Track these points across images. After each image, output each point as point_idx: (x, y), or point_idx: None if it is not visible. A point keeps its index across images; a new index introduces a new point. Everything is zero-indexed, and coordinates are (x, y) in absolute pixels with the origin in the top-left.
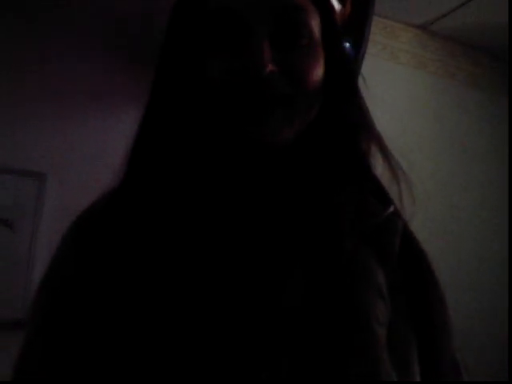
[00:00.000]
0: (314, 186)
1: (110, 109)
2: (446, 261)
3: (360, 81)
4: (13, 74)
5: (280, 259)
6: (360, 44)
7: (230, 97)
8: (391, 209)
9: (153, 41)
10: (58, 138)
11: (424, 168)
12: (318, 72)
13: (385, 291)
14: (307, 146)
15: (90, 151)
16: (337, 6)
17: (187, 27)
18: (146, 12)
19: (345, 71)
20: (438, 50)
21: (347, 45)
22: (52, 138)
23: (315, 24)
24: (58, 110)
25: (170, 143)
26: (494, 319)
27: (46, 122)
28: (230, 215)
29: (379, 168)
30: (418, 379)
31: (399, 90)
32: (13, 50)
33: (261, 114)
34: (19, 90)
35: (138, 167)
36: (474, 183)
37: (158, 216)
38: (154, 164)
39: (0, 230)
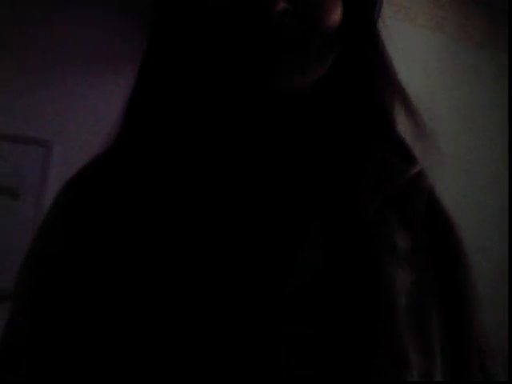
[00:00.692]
0: (332, 139)
1: (121, 78)
2: None
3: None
4: (18, 41)
5: (293, 223)
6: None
7: (233, 39)
8: (417, 168)
9: None
10: (65, 106)
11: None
12: (336, 14)
13: (408, 259)
14: (324, 95)
15: (96, 119)
16: None
17: None
18: None
19: (364, 15)
20: (455, 11)
21: None
22: (58, 106)
23: None
24: (65, 77)
25: (169, 96)
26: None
27: (52, 89)
28: (238, 171)
29: (401, 126)
30: (438, 361)
31: (416, 52)
32: (18, 17)
33: (269, 61)
34: (25, 57)
35: (133, 123)
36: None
37: (155, 179)
38: (151, 120)
39: (5, 198)
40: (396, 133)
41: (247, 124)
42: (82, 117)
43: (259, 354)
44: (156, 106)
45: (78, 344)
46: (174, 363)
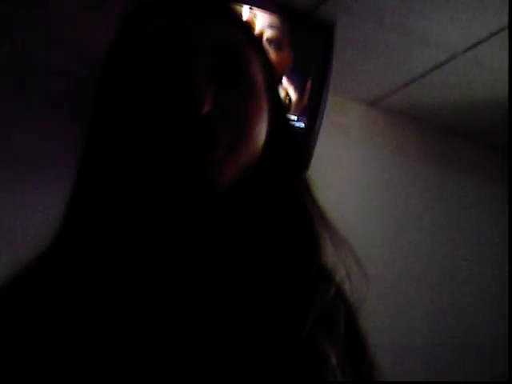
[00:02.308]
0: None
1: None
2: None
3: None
4: None
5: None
6: (315, 121)
7: (166, 136)
8: (334, 288)
9: None
10: (13, 208)
11: (376, 240)
12: (259, 120)
13: (339, 375)
14: (250, 195)
15: (45, 222)
16: (294, 96)
17: (124, 68)
18: None
19: (288, 134)
20: (388, 126)
21: (302, 124)
22: (4, 208)
23: (256, 71)
24: (12, 182)
25: (108, 190)
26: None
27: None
28: (170, 264)
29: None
30: None
31: (351, 166)
32: None
33: (198, 154)
34: None
35: (76, 216)
36: (427, 248)
37: (101, 264)
38: (92, 213)
39: None
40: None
41: (177, 217)
42: (30, 220)
43: None
44: (94, 206)
45: None
46: None
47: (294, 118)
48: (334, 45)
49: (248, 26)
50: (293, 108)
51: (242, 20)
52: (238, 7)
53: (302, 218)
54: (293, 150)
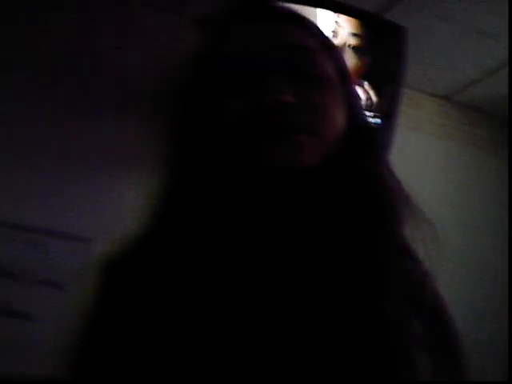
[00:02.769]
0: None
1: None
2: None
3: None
4: (57, 142)
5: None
6: (391, 118)
7: (250, 130)
8: (423, 268)
9: None
10: (106, 203)
11: (447, 232)
12: (336, 109)
13: (422, 344)
14: (332, 173)
15: (128, 217)
16: (374, 97)
17: (207, 82)
18: None
19: (363, 126)
20: (461, 119)
21: (379, 120)
22: (100, 203)
23: (330, 67)
24: (106, 174)
25: (201, 177)
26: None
27: (94, 186)
28: (261, 246)
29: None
30: None
31: (424, 158)
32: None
33: (280, 141)
34: (68, 155)
35: (173, 212)
36: (497, 241)
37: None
38: (187, 206)
39: (53, 292)
40: (401, 232)
41: (267, 198)
42: (118, 216)
43: None
44: (189, 196)
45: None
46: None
47: (370, 114)
48: (407, 45)
49: (320, 32)
50: (374, 108)
51: (314, 27)
52: (326, 14)
53: (384, 195)
54: (370, 133)
